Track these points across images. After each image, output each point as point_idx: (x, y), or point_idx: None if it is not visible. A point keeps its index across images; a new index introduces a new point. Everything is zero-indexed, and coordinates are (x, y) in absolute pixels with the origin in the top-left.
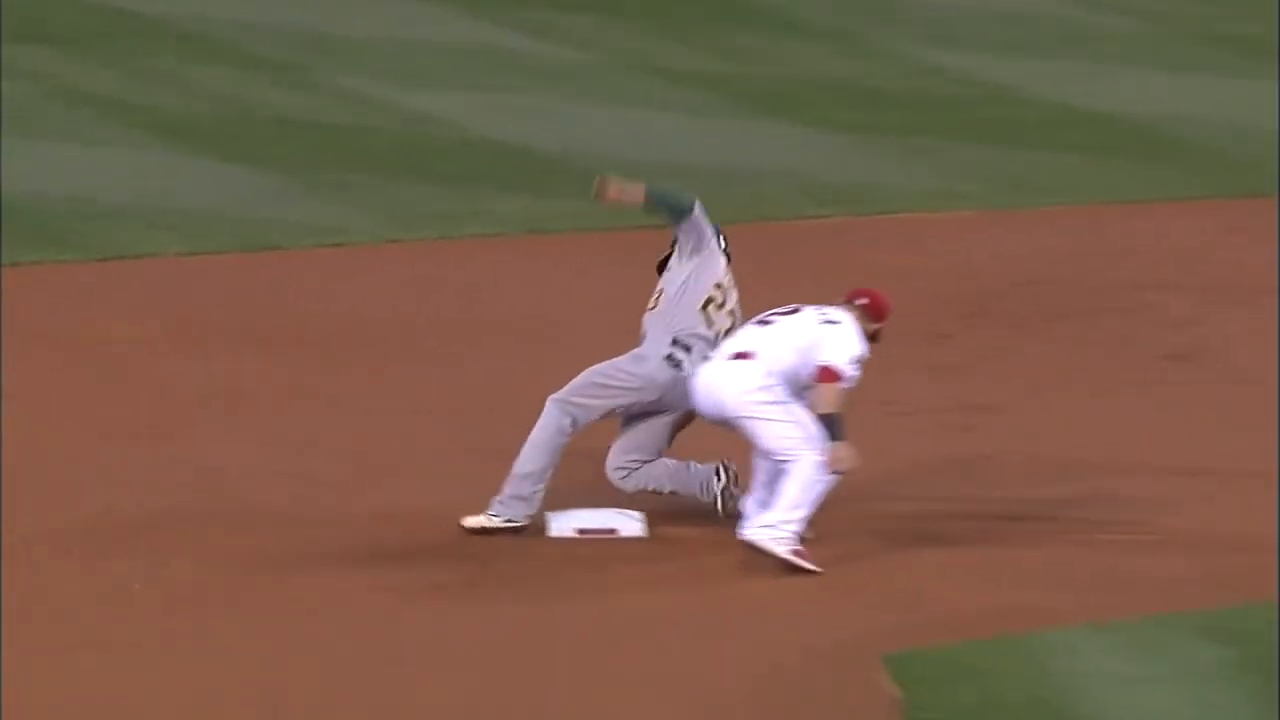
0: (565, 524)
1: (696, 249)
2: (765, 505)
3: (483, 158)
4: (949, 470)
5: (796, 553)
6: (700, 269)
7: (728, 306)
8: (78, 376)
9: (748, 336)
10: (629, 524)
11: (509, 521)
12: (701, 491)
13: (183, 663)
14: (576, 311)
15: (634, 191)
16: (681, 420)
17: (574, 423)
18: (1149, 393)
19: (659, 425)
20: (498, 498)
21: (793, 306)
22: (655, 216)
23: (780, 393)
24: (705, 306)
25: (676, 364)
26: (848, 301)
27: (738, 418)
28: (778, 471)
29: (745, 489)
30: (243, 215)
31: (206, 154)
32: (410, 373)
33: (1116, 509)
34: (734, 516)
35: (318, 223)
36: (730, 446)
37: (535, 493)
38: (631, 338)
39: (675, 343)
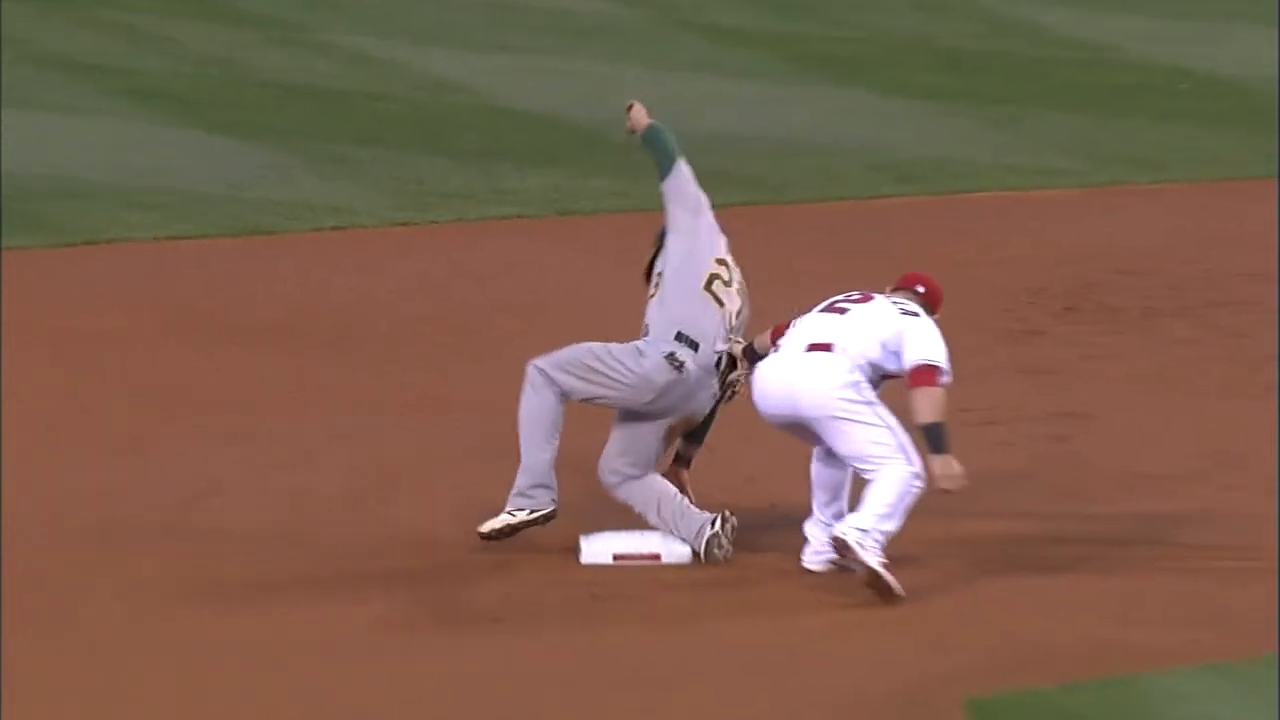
0: (600, 549)
1: (693, 218)
2: (830, 529)
3: (506, 129)
4: (1041, 486)
5: (886, 566)
6: (697, 244)
7: (735, 285)
8: (43, 377)
9: (822, 325)
10: (674, 548)
11: (534, 512)
12: (690, 536)
13: (164, 704)
14: (610, 301)
15: (642, 120)
16: (679, 427)
17: (563, 395)
18: (1267, 397)
19: (654, 430)
20: (515, 491)
21: (862, 293)
22: (648, 154)
23: (868, 391)
24: (710, 285)
25: (678, 365)
26: (902, 287)
27: (820, 417)
28: (839, 489)
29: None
30: (233, 194)
31: (191, 124)
32: (423, 372)
33: (1232, 531)
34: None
35: (318, 203)
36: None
37: (552, 475)
38: None
39: (680, 338)
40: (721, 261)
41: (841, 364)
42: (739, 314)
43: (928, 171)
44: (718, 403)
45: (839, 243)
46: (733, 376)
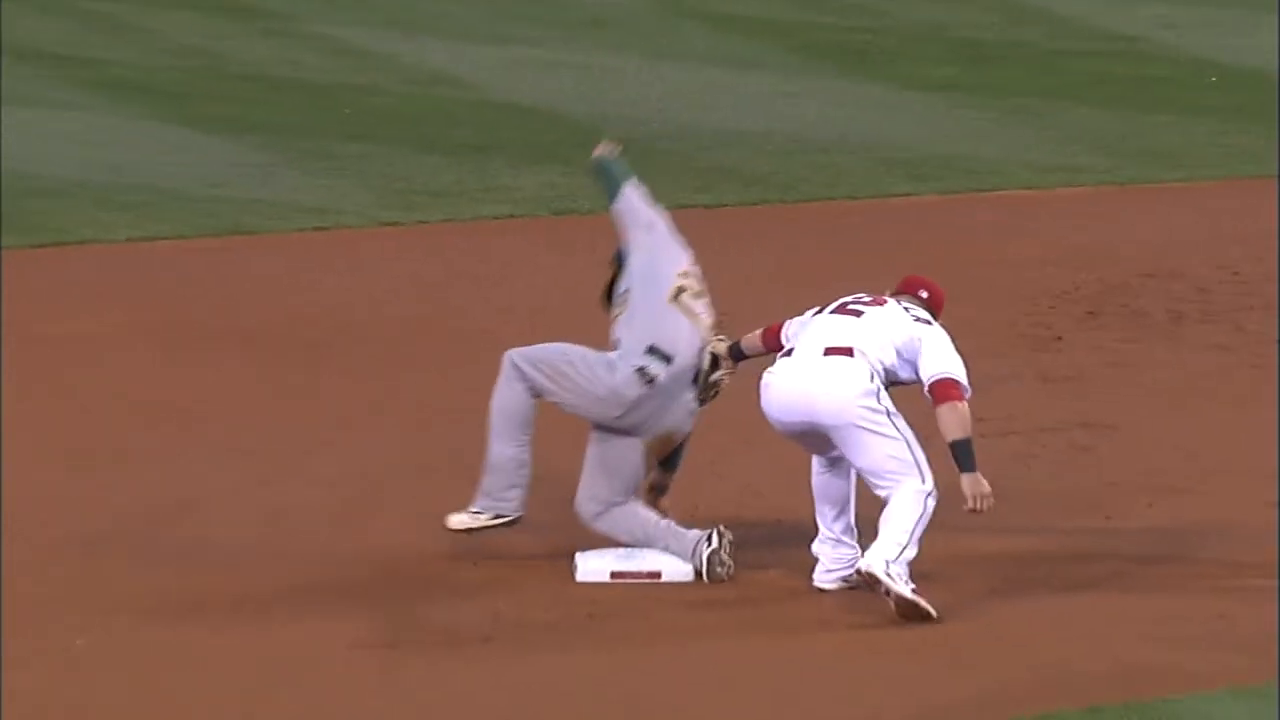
0: (597, 566)
1: (648, 234)
2: (839, 545)
3: (499, 124)
4: (1062, 500)
5: (916, 591)
6: (656, 258)
7: (705, 298)
8: (12, 384)
9: (838, 328)
10: (674, 566)
11: (498, 517)
12: (687, 555)
13: None
14: None
15: (596, 153)
16: (656, 446)
17: (537, 392)
18: None
19: (633, 448)
20: (482, 490)
21: (872, 295)
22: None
23: (887, 400)
24: (677, 297)
25: (649, 379)
26: (904, 292)
27: (838, 425)
28: (845, 501)
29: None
30: (212, 192)
31: (170, 119)
32: (411, 378)
33: (1265, 549)
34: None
35: (302, 201)
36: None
37: (522, 475)
38: None
39: (652, 351)
40: (686, 274)
41: (862, 369)
42: (711, 328)
43: (942, 168)
44: (700, 407)
45: (849, 243)
46: (715, 376)
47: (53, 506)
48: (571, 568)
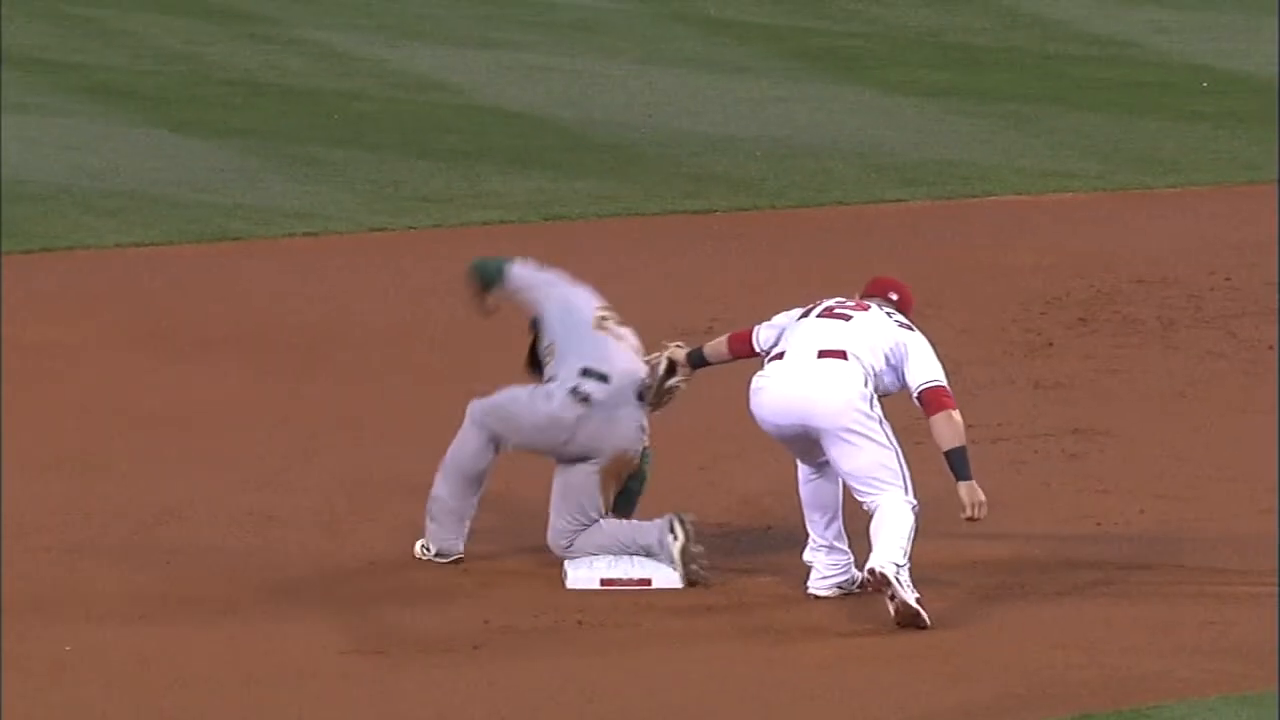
0: (587, 573)
1: (550, 288)
2: (833, 551)
3: (488, 129)
4: (1053, 507)
5: (919, 600)
6: (569, 299)
7: (628, 328)
8: None
9: (829, 332)
10: (665, 573)
11: (439, 556)
12: (654, 547)
13: None
14: None
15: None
16: (613, 469)
17: (497, 443)
18: None
19: (589, 477)
20: (430, 517)
21: (855, 300)
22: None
23: (879, 407)
24: (602, 324)
25: (584, 398)
26: (873, 294)
27: (831, 429)
28: (836, 507)
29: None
30: (198, 198)
31: (155, 124)
32: (399, 386)
33: (1256, 555)
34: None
35: (289, 207)
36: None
37: (463, 527)
38: (662, 338)
39: (586, 373)
40: (603, 308)
41: (857, 372)
42: (640, 350)
43: (934, 174)
44: (653, 413)
45: (839, 249)
46: (671, 383)
47: (41, 512)
48: (561, 575)
